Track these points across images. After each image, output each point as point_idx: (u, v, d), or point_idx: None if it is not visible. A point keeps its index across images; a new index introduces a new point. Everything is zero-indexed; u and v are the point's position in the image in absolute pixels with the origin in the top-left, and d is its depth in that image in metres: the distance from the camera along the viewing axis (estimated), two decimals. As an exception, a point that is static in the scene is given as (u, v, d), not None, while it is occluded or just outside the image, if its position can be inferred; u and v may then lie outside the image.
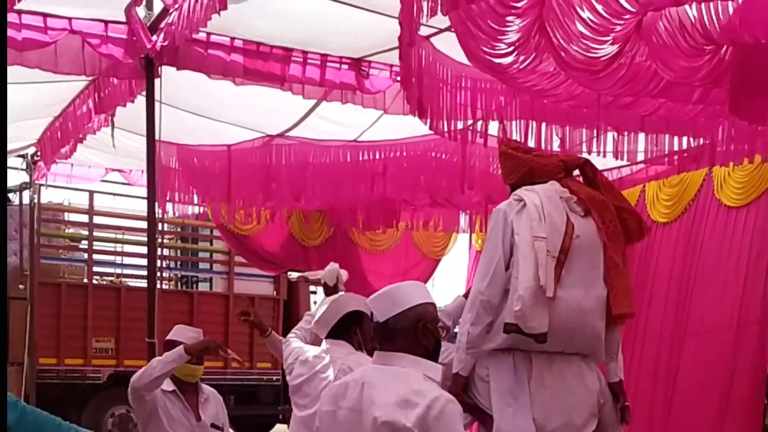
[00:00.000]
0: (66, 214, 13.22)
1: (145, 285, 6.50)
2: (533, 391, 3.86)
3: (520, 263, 3.79)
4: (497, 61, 4.23)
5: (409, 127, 6.74)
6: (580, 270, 3.91)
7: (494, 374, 3.90)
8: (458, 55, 4.68)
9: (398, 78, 5.72)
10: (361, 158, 7.59)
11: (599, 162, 7.84)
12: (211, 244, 14.58)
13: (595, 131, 5.44)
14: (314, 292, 15.84)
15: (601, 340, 4.02)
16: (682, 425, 6.94)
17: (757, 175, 6.61)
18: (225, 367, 12.88)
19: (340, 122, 6.97)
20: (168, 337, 5.19)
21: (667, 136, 5.98)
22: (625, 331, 7.45)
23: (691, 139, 6.15)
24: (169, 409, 5.04)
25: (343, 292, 5.41)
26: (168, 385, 5.00)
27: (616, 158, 6.03)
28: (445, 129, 5.29)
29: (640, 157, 6.26)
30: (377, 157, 7.54)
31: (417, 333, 3.18)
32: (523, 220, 3.85)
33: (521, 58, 4.24)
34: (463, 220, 9.61)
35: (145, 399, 4.87)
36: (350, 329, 4.73)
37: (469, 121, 5.61)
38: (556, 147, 5.75)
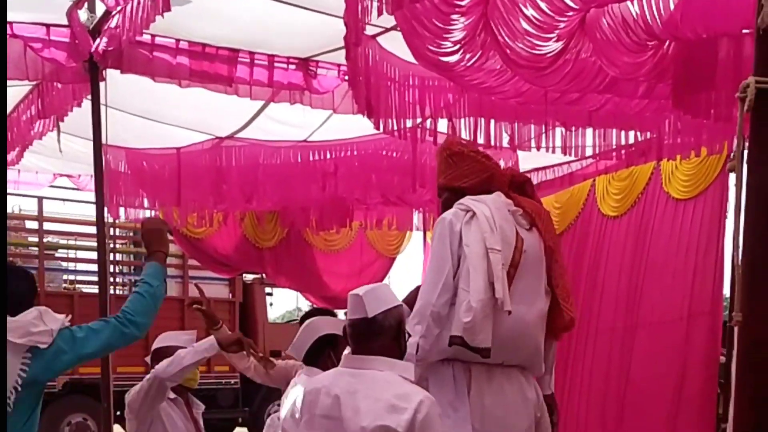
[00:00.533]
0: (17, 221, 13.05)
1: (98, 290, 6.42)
2: (473, 403, 3.82)
3: (471, 275, 3.70)
4: (443, 59, 4.24)
5: (360, 126, 6.72)
6: (526, 284, 3.89)
7: (434, 386, 3.83)
8: (405, 53, 4.68)
9: (346, 77, 5.71)
10: (311, 158, 7.55)
11: (549, 158, 7.99)
12: (165, 247, 14.49)
13: (543, 127, 5.47)
14: (270, 294, 15.84)
15: (541, 353, 4.03)
16: (636, 418, 7.00)
17: (704, 168, 6.67)
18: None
19: (290, 122, 6.93)
20: (159, 345, 5.06)
21: (614, 130, 6.04)
22: (578, 326, 7.51)
23: (639, 134, 6.23)
24: (173, 418, 4.94)
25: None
26: (169, 392, 4.88)
27: (565, 154, 6.08)
28: (394, 128, 5.28)
29: (589, 152, 6.30)
30: (328, 156, 7.51)
31: (399, 333, 3.21)
32: (472, 231, 3.78)
33: (467, 56, 4.25)
34: (417, 218, 9.62)
35: (163, 395, 4.74)
36: (323, 353, 4.60)
37: (418, 120, 5.62)
38: (505, 143, 5.78)
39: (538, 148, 5.73)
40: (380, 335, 3.20)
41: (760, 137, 2.12)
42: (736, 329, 2.16)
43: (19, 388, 3.34)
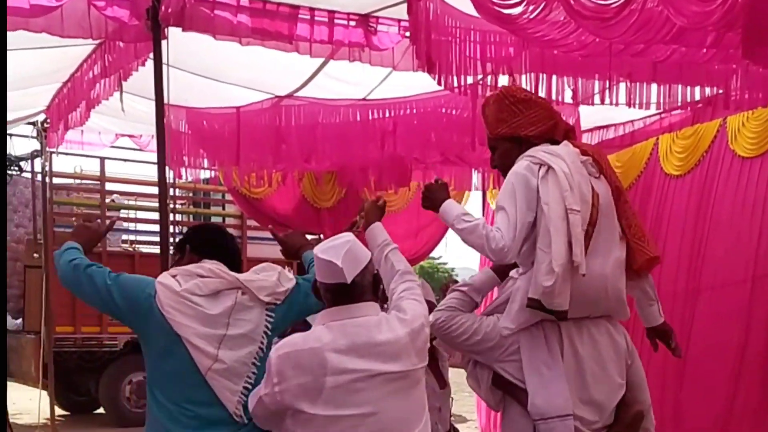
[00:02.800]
0: (78, 181, 13.23)
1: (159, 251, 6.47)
2: (567, 359, 3.72)
3: (552, 237, 3.54)
4: (506, 11, 4.18)
5: (419, 83, 6.70)
6: (602, 238, 3.75)
7: (525, 349, 3.74)
8: (467, 7, 4.62)
9: (407, 34, 5.67)
10: (370, 117, 7.53)
11: (611, 116, 7.87)
12: (224, 208, 14.64)
13: (607, 82, 5.37)
14: (327, 255, 15.89)
15: (623, 300, 3.89)
16: (696, 382, 6.92)
17: (771, 125, 6.54)
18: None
19: (349, 81, 6.92)
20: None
21: (680, 86, 5.93)
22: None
23: (706, 89, 6.11)
24: None
25: None
26: None
27: (630, 106, 5.92)
28: (455, 84, 5.22)
29: (653, 108, 6.18)
30: (387, 115, 7.49)
31: (376, 284, 3.27)
32: (551, 188, 3.60)
33: (530, 8, 4.19)
34: (476, 177, 9.57)
35: None
36: None
37: (479, 76, 5.55)
38: (568, 99, 5.69)
39: (602, 102, 5.62)
40: (362, 295, 3.19)
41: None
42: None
43: (265, 340, 3.64)
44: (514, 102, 3.85)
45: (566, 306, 3.59)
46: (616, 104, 5.74)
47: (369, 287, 3.23)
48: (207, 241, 3.92)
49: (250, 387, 3.52)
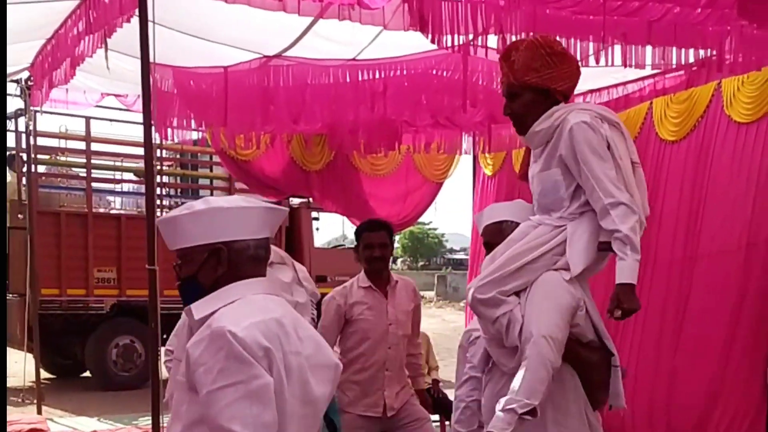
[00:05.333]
0: (63, 141, 13.09)
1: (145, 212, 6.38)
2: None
3: (631, 189, 3.62)
4: (500, -34, 4.08)
5: (409, 44, 6.60)
6: None
7: (590, 302, 3.78)
8: (460, -37, 4.52)
9: (398, -9, 5.58)
10: (360, 77, 7.43)
11: (605, 79, 7.78)
12: (211, 170, 14.54)
13: (601, 44, 5.27)
14: (317, 218, 15.83)
15: None
16: (691, 348, 6.93)
17: (766, 90, 6.47)
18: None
19: (339, 40, 6.80)
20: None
21: (674, 49, 5.85)
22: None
23: (700, 51, 6.03)
24: None
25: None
26: None
27: (625, 66, 5.82)
28: (448, 43, 5.13)
29: (648, 70, 6.10)
30: (377, 76, 7.38)
31: None
32: (619, 143, 3.64)
33: (524, -38, 4.09)
34: (466, 141, 9.50)
35: None
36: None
37: (470, 36, 5.45)
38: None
39: (597, 62, 5.52)
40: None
41: None
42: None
43: None
44: (550, 53, 3.75)
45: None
46: (612, 64, 5.64)
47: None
48: None
49: None
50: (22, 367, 10.12)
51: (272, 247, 3.99)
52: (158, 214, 6.00)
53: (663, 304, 7.20)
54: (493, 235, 4.21)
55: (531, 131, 3.79)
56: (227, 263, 2.51)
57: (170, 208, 13.83)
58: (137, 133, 12.02)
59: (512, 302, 3.74)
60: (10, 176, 11.88)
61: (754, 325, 6.49)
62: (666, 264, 7.19)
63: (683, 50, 5.89)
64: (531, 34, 5.01)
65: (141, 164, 11.74)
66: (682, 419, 6.96)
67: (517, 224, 4.01)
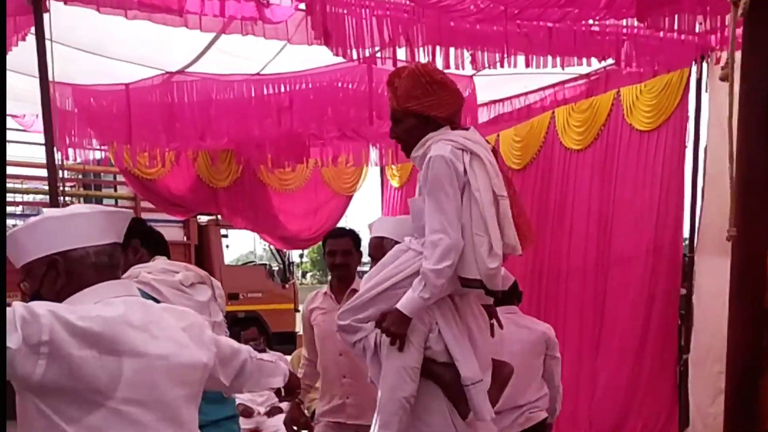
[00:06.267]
0: (-41, 165, 12.67)
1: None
2: (462, 329, 3.88)
3: (487, 222, 3.64)
4: (404, -22, 4.08)
5: (313, 57, 6.57)
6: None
7: (443, 322, 3.83)
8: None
9: (300, 6, 5.55)
10: (266, 92, 7.35)
11: (507, 89, 7.89)
12: (116, 190, 14.25)
13: (505, 52, 5.33)
14: (225, 236, 15.67)
15: None
16: (609, 353, 7.10)
17: (665, 97, 6.64)
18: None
19: (242, 55, 6.73)
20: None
21: (575, 59, 5.96)
22: (548, 265, 7.54)
23: (599, 61, 6.16)
24: None
25: None
26: None
27: (528, 66, 5.88)
28: (353, 56, 5.12)
29: (550, 80, 6.21)
30: (282, 90, 7.31)
31: None
32: (479, 175, 3.67)
33: (427, -27, 4.10)
34: (374, 153, 9.51)
35: None
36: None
37: (377, 48, 5.45)
38: (469, 69, 5.66)
39: (502, 65, 5.58)
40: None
41: (753, 44, 2.01)
42: (730, 244, 2.06)
43: None
44: (430, 81, 3.84)
45: (501, 286, 3.81)
46: (515, 65, 5.68)
47: None
48: (159, 240, 4.15)
49: None
50: None
51: (190, 266, 3.98)
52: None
53: (580, 310, 7.35)
54: (374, 249, 4.36)
55: (411, 156, 3.91)
56: (65, 274, 2.43)
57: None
58: (36, 153, 11.74)
59: (368, 329, 3.90)
60: None
61: (664, 327, 6.69)
62: (580, 271, 7.35)
63: (584, 59, 5.98)
64: (437, 47, 5.08)
65: (42, 185, 11.46)
66: (602, 420, 7.10)
67: (397, 242, 4.11)
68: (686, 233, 6.72)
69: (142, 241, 3.97)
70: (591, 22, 5.24)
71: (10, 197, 13.45)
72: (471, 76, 7.23)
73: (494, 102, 8.32)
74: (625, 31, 5.54)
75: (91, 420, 2.30)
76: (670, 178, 6.67)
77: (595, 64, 6.55)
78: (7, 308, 2.18)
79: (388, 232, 4.35)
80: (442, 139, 3.75)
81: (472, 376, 3.81)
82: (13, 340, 2.15)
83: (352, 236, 5.47)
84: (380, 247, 4.28)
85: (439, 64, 5.39)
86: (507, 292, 5.67)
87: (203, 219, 14.67)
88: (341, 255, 5.36)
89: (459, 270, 3.69)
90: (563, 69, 6.00)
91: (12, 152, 12.77)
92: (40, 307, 2.23)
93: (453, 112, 3.87)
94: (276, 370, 3.22)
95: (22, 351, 2.16)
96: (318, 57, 6.47)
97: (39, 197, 13.10)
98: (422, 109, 3.81)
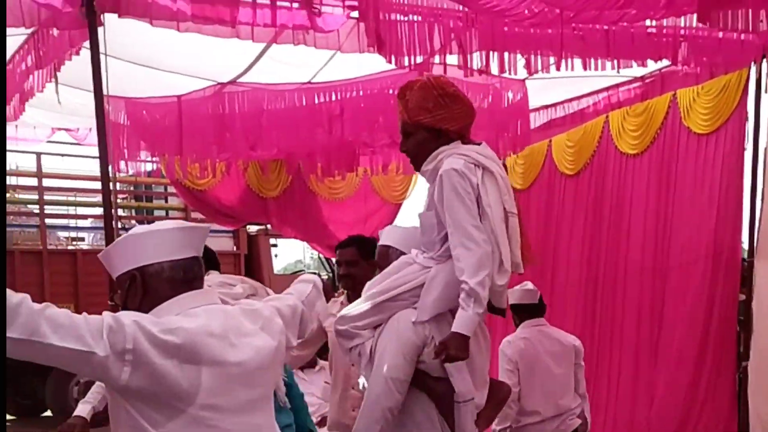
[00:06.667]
0: (15, 178, 12.88)
1: (103, 247, 6.22)
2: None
3: (498, 238, 3.65)
4: (457, -19, 4.05)
5: (364, 63, 6.56)
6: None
7: (440, 338, 3.79)
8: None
9: (352, 14, 5.54)
10: (317, 101, 7.37)
11: (558, 94, 7.81)
12: (166, 201, 14.37)
13: (561, 55, 5.26)
14: (275, 245, 15.72)
15: None
16: (669, 360, 6.98)
17: (723, 99, 6.53)
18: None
19: (293, 63, 6.74)
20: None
21: (633, 62, 5.88)
22: (605, 269, 7.44)
23: (654, 63, 6.07)
24: None
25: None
26: None
27: (585, 68, 5.81)
28: (405, 63, 5.10)
29: (605, 83, 6.12)
30: (333, 98, 7.32)
31: None
32: (490, 191, 3.68)
33: (482, -22, 4.07)
34: (423, 161, 9.45)
35: None
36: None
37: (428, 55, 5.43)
38: (521, 70, 5.61)
39: (558, 68, 5.52)
40: None
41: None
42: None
43: None
44: (441, 94, 3.84)
45: (505, 304, 3.85)
46: (572, 68, 5.61)
47: None
48: (210, 255, 4.26)
49: None
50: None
51: (246, 279, 4.01)
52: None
53: (638, 316, 7.26)
54: (380, 257, 4.34)
55: (422, 170, 3.91)
56: (142, 288, 2.58)
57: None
58: (89, 166, 11.90)
59: (365, 336, 3.95)
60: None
61: (722, 333, 6.58)
62: (637, 276, 7.25)
63: (639, 63, 5.91)
64: (490, 52, 5.04)
65: (96, 198, 11.59)
66: (661, 427, 7.00)
67: (402, 252, 4.12)
68: (745, 237, 6.62)
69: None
70: (648, 23, 5.16)
71: (63, 210, 13.63)
72: (523, 80, 7.18)
73: (546, 107, 8.25)
74: (682, 32, 5.47)
75: (174, 426, 2.45)
76: (729, 182, 6.55)
77: (650, 66, 6.44)
78: (97, 317, 2.37)
79: (395, 242, 4.31)
80: (454, 153, 3.75)
81: (465, 392, 3.83)
82: (100, 347, 2.32)
83: (359, 245, 5.30)
84: (386, 256, 4.27)
85: (493, 68, 5.36)
86: (536, 306, 5.76)
87: (252, 228, 14.72)
88: (345, 265, 5.25)
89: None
90: (619, 72, 5.92)
91: (65, 165, 12.97)
92: (127, 317, 2.40)
93: (464, 125, 3.87)
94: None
95: (110, 358, 2.33)
96: (369, 64, 6.46)
97: (92, 210, 13.24)
98: (434, 122, 3.82)
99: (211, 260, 4.32)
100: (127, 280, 2.60)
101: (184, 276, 2.62)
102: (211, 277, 4.15)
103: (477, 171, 3.68)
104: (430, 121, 3.80)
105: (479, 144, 3.85)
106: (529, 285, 5.83)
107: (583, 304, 7.81)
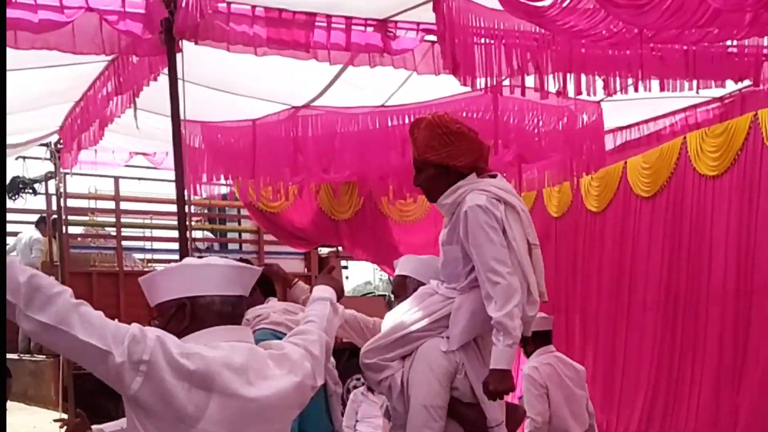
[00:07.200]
0: (93, 201, 13.12)
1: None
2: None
3: (525, 270, 3.72)
4: (535, 4, 4.03)
5: (436, 87, 6.56)
6: None
7: (469, 365, 3.90)
8: (488, 1, 4.48)
9: (426, 37, 5.56)
10: (390, 123, 7.39)
11: (633, 115, 7.71)
12: (239, 223, 14.49)
13: (639, 73, 5.18)
14: (346, 267, 15.75)
15: None
16: (752, 387, 6.77)
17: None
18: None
19: (366, 87, 6.77)
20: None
21: (713, 82, 5.78)
22: (685, 293, 7.29)
23: (734, 83, 5.95)
24: None
25: None
26: None
27: (663, 90, 5.73)
28: (481, 85, 5.08)
29: (682, 103, 6.01)
30: (407, 121, 7.32)
31: None
32: (514, 224, 3.74)
33: (561, -1, 4.04)
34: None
35: None
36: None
37: (504, 77, 5.40)
38: (599, 90, 5.56)
39: (636, 89, 5.45)
40: None
41: None
42: None
43: None
44: (445, 133, 3.90)
45: (530, 332, 3.90)
46: (649, 89, 5.53)
47: None
48: (269, 283, 4.38)
49: None
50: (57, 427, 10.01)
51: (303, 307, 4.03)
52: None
53: (720, 341, 7.08)
54: (397, 287, 4.41)
55: (439, 203, 3.95)
56: (190, 317, 2.63)
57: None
58: (165, 190, 12.06)
59: (395, 367, 4.01)
60: (41, 237, 11.95)
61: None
62: (719, 301, 7.08)
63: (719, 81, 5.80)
64: (565, 74, 4.98)
65: (171, 221, 11.74)
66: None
67: (420, 282, 4.19)
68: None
69: (263, 290, 4.25)
70: (729, 42, 5.07)
71: (138, 232, 13.84)
72: (598, 102, 7.10)
73: (621, 128, 8.15)
74: (766, 51, 5.36)
75: None
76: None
77: (729, 87, 6.32)
78: (127, 325, 2.45)
79: (412, 272, 4.35)
80: (475, 189, 3.80)
81: (496, 417, 3.93)
82: (118, 351, 2.39)
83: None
84: (403, 285, 4.33)
85: (570, 90, 5.30)
86: (550, 333, 5.83)
87: (324, 251, 14.79)
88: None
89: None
90: (698, 93, 5.82)
91: (141, 189, 13.17)
92: (152, 331, 2.47)
93: (473, 159, 3.90)
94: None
95: (125, 365, 2.39)
96: (442, 86, 6.45)
97: (167, 233, 13.43)
98: (440, 159, 3.87)
99: (270, 286, 4.44)
100: (173, 307, 2.65)
101: (231, 311, 2.69)
102: (275, 304, 4.23)
103: (500, 206, 3.73)
104: (437, 158, 3.87)
105: (495, 176, 3.92)
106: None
107: (662, 329, 7.66)
